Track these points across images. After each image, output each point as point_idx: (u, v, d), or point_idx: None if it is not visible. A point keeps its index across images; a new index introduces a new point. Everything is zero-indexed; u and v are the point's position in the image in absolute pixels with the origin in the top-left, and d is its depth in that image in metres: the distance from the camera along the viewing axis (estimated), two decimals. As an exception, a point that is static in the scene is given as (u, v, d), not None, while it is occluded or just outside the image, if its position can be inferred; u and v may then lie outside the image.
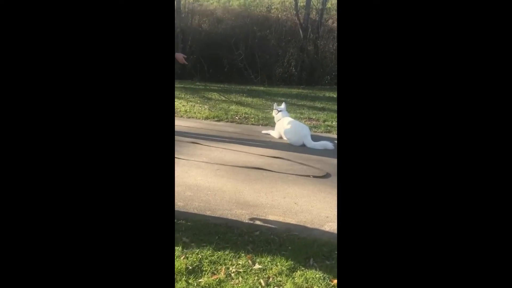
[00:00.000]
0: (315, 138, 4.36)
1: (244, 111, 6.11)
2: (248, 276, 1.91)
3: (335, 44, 9.65)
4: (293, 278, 1.90)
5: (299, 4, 9.85)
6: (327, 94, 7.96)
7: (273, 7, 10.99)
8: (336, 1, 10.22)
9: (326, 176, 3.36)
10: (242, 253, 2.11)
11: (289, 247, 2.17)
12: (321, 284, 1.85)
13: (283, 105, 4.75)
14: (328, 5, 10.14)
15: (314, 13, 9.99)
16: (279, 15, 10.54)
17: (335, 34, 9.73)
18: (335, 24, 10.00)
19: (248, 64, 9.62)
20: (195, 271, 1.94)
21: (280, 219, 2.56)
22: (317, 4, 9.91)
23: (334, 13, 10.30)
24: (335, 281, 1.88)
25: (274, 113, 4.75)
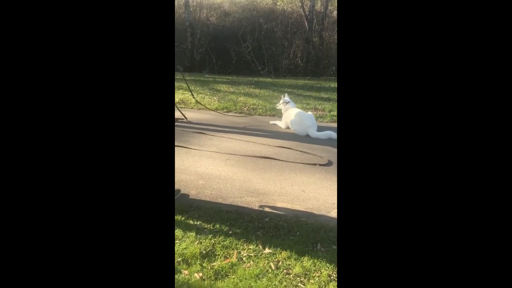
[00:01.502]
0: (320, 128, 4.37)
1: (252, 102, 6.12)
2: (258, 260, 1.95)
3: (340, 35, 9.54)
4: (301, 262, 1.93)
5: (304, -4, 9.73)
6: (332, 85, 7.91)
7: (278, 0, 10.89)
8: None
9: (329, 164, 3.39)
10: (252, 238, 2.15)
11: (297, 233, 2.21)
12: (328, 268, 1.89)
13: (287, 97, 4.77)
14: (333, -4, 10.00)
15: (319, 4, 9.85)
16: (285, 7, 10.42)
17: (340, 25, 9.60)
18: (340, 15, 9.87)
19: (255, 56, 9.57)
20: (208, 255, 1.99)
21: (288, 206, 2.59)
22: (322, -4, 9.79)
23: (339, 4, 10.17)
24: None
25: (281, 105, 4.75)
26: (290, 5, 10.38)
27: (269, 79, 8.76)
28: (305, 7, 9.66)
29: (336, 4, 10.10)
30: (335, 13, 9.98)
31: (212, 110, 5.57)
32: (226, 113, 5.43)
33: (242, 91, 7.06)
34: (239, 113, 5.54)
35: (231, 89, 7.27)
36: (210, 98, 6.41)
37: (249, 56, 9.54)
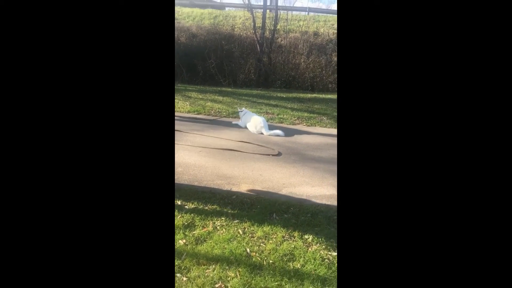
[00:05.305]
0: (271, 127, 4.47)
1: (217, 106, 6.06)
2: (229, 228, 1.98)
3: (283, 57, 9.75)
4: (262, 227, 2.00)
5: (256, 25, 9.81)
6: (278, 95, 8.07)
7: (236, 26, 10.80)
8: (284, 24, 10.30)
9: (279, 154, 3.49)
10: (224, 211, 2.17)
11: (258, 206, 2.27)
12: (282, 231, 1.97)
13: (240, 109, 4.81)
14: (278, 26, 10.16)
15: (267, 32, 9.98)
16: (241, 33, 10.40)
17: (283, 49, 9.82)
18: (283, 42, 10.08)
19: (218, 71, 9.45)
20: (189, 226, 1.98)
21: (250, 186, 2.64)
22: (270, 26, 9.91)
23: (282, 33, 10.35)
24: (292, 229, 2.01)
25: (240, 116, 4.74)
26: (245, 32, 10.38)
27: (229, 89, 8.71)
28: (257, 33, 9.76)
29: (280, 33, 10.30)
30: (279, 39, 10.17)
31: (185, 113, 5.44)
32: (196, 115, 5.33)
33: (209, 98, 6.96)
34: (207, 115, 5.47)
35: (200, 96, 7.12)
36: (183, 103, 6.24)
37: (213, 70, 9.40)
